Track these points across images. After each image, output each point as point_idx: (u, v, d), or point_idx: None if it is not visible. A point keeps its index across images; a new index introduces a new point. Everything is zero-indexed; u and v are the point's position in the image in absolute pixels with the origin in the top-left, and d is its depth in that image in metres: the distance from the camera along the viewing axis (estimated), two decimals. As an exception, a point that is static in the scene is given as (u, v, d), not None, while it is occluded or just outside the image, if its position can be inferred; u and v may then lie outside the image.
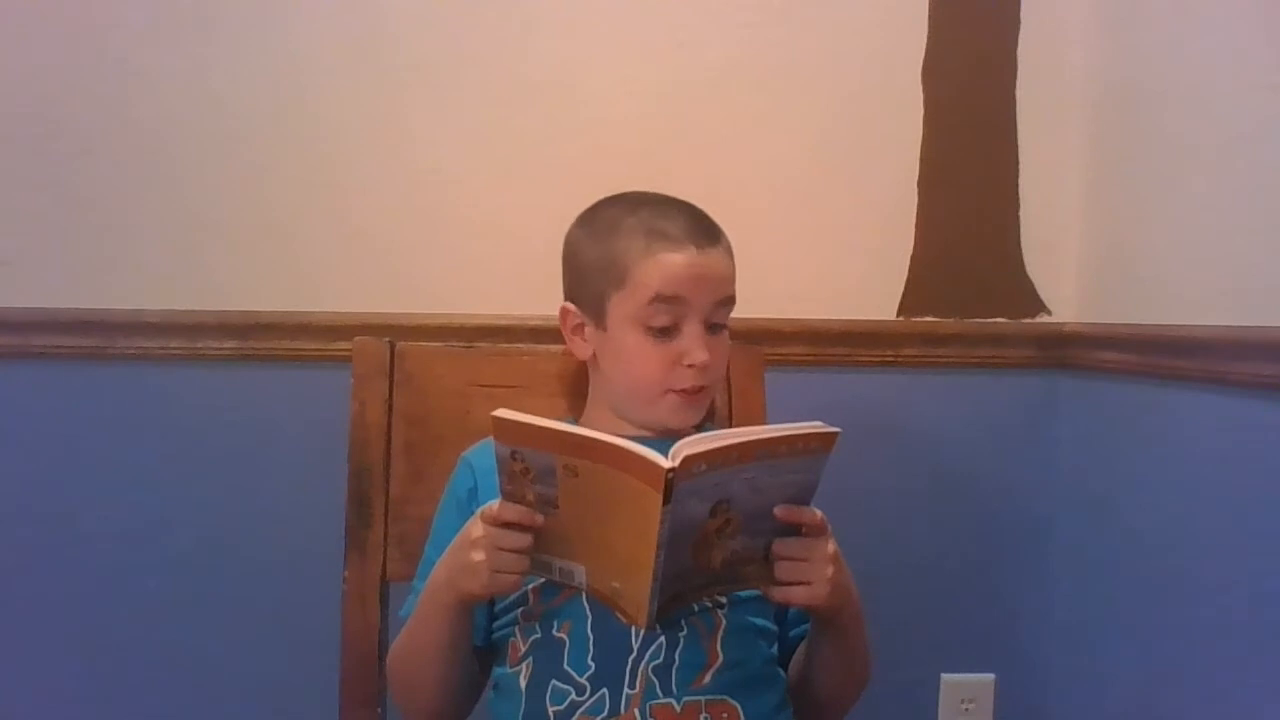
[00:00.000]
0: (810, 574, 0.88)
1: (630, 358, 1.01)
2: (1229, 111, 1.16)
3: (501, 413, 0.82)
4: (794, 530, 0.87)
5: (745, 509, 0.84)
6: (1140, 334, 1.29)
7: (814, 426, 0.83)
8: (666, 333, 0.99)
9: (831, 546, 0.89)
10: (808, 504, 0.87)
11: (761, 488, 0.83)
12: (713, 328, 1.01)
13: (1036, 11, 1.43)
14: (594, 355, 1.05)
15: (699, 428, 1.09)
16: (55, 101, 1.37)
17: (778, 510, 0.85)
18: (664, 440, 0.82)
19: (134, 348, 1.38)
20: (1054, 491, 1.46)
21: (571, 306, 1.05)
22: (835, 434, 0.84)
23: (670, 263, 0.98)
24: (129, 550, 1.40)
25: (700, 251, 0.99)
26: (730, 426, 1.17)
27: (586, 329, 1.04)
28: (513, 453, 0.83)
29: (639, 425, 1.02)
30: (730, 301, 1.02)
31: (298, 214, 1.39)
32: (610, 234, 1.02)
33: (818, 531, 0.88)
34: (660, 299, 0.98)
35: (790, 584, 0.88)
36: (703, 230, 1.00)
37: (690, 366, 0.99)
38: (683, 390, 1.00)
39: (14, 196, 1.38)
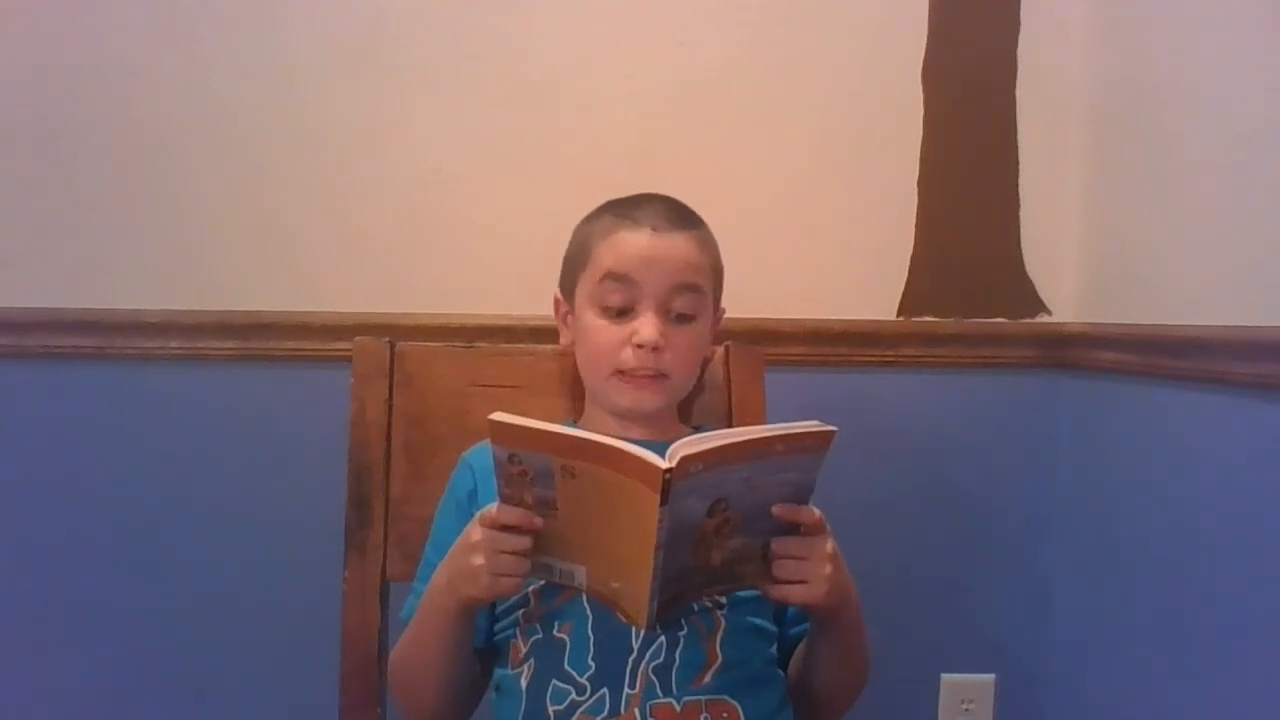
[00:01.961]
0: (808, 572, 0.88)
1: (586, 336, 1.03)
2: (1229, 112, 1.15)
3: (498, 416, 0.82)
4: (792, 529, 0.87)
5: (743, 508, 0.84)
6: (1140, 334, 1.29)
7: (810, 426, 0.84)
8: (622, 314, 1.00)
9: (830, 545, 0.89)
10: (805, 503, 0.88)
11: (758, 487, 0.83)
12: (677, 318, 1.01)
13: (1036, 12, 1.43)
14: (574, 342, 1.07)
15: (696, 428, 1.09)
16: (55, 101, 1.37)
17: (776, 509, 0.85)
18: (661, 442, 0.82)
19: (134, 348, 1.38)
20: (1054, 491, 1.46)
21: (559, 294, 1.08)
22: (832, 433, 0.84)
23: (623, 241, 1.00)
24: (128, 550, 1.40)
25: (657, 234, 1.00)
26: (730, 427, 1.17)
27: (569, 316, 1.07)
28: (510, 456, 0.83)
29: (605, 409, 1.03)
30: (692, 289, 1.01)
31: (298, 214, 1.39)
32: (592, 219, 1.06)
33: (816, 530, 0.88)
34: (611, 276, 1.00)
35: (788, 582, 0.88)
36: (671, 217, 1.02)
37: (640, 347, 0.99)
38: (631, 372, 1.00)
39: (14, 196, 1.38)
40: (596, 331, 1.01)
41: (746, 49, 1.41)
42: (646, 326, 0.99)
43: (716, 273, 1.06)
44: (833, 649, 0.98)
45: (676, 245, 1.00)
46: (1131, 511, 1.32)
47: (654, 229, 1.00)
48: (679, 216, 1.03)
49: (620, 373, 1.01)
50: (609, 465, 0.80)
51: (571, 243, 1.08)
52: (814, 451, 0.84)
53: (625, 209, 1.03)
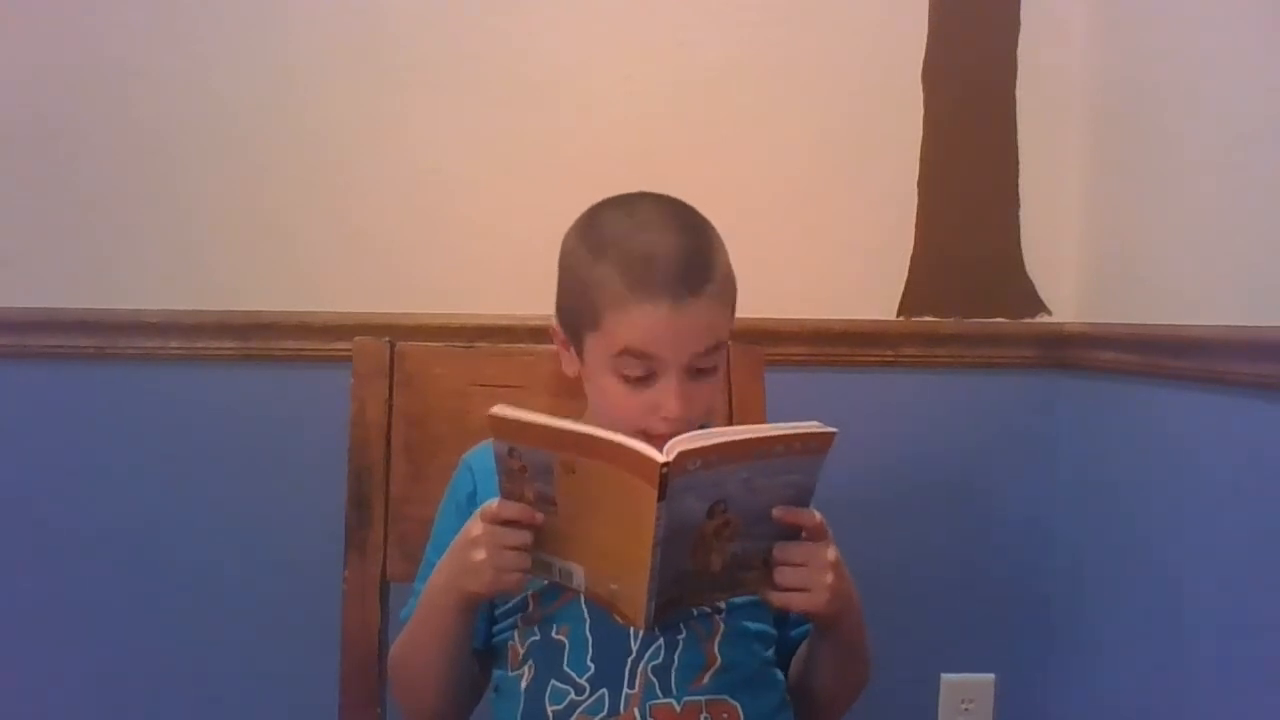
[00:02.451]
0: (810, 580, 0.87)
1: (606, 401, 0.95)
2: (1229, 112, 1.15)
3: (498, 410, 0.82)
4: (793, 534, 0.87)
5: (743, 510, 0.83)
6: (1140, 334, 1.29)
7: (810, 426, 0.83)
8: (642, 380, 0.92)
9: (832, 553, 0.88)
10: (806, 506, 0.87)
11: (758, 488, 0.83)
12: (698, 373, 0.93)
13: (1036, 11, 1.43)
14: (579, 377, 1.00)
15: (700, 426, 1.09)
16: (55, 101, 1.37)
17: (776, 511, 0.85)
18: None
19: (134, 348, 1.38)
20: (1054, 491, 1.46)
21: (557, 327, 1.01)
22: (832, 434, 0.83)
23: (641, 320, 0.90)
24: (129, 550, 1.40)
25: (676, 307, 0.89)
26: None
27: (570, 348, 0.99)
28: (510, 450, 0.83)
29: None
30: (717, 348, 0.94)
31: (298, 214, 1.39)
32: (594, 262, 0.93)
33: (817, 534, 0.88)
34: (629, 354, 0.91)
35: (790, 590, 0.88)
36: (688, 274, 0.90)
37: (664, 419, 0.91)
38: (658, 436, 0.90)
39: (14, 196, 1.38)
40: (616, 398, 0.93)
41: (746, 49, 1.41)
42: (671, 401, 0.90)
43: (734, 301, 0.98)
44: (833, 653, 0.98)
45: (696, 315, 0.90)
46: (1131, 511, 1.32)
47: (673, 301, 0.89)
48: (697, 268, 0.91)
49: (646, 434, 0.91)
50: (607, 459, 0.79)
51: (568, 278, 0.97)
52: (814, 453, 0.84)
53: (635, 257, 0.91)
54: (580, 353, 0.97)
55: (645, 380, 0.92)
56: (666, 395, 0.91)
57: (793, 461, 0.84)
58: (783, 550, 0.87)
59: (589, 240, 0.96)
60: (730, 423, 1.18)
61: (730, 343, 1.19)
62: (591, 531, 0.84)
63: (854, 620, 0.95)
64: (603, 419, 0.97)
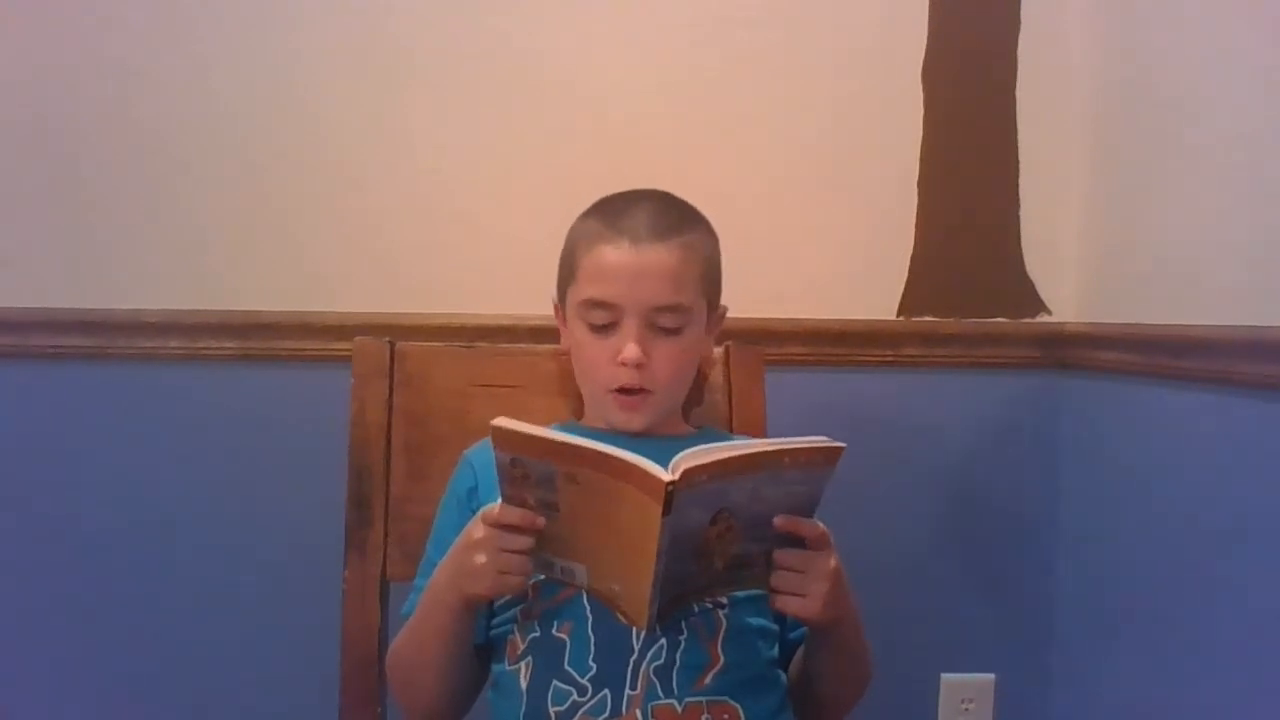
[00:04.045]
0: (806, 586, 0.87)
1: (578, 351, 1.02)
2: (1229, 112, 1.15)
3: (501, 422, 0.82)
4: (797, 539, 0.87)
5: (745, 516, 0.83)
6: (1140, 334, 1.29)
7: (819, 441, 0.83)
8: (607, 329, 0.99)
9: (832, 562, 0.89)
10: (810, 515, 0.87)
11: (763, 496, 0.83)
12: (663, 331, 0.99)
13: (1036, 11, 1.43)
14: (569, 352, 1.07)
15: (699, 428, 1.09)
16: (55, 101, 1.37)
17: (777, 520, 0.85)
18: (661, 436, 0.81)
19: (134, 348, 1.38)
20: (1054, 491, 1.46)
21: (556, 302, 1.08)
22: (840, 449, 0.83)
23: (603, 257, 0.98)
24: (129, 550, 1.40)
25: (636, 248, 0.97)
26: (730, 427, 1.17)
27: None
28: (513, 460, 0.83)
29: (604, 422, 1.03)
30: (676, 310, 0.99)
31: (298, 214, 1.39)
32: (581, 221, 1.04)
33: (818, 543, 0.88)
34: (593, 293, 0.99)
35: (786, 594, 0.88)
36: (655, 225, 0.98)
37: (623, 364, 0.97)
38: (619, 390, 0.99)
39: (14, 196, 1.38)
40: (585, 348, 1.01)
41: (746, 49, 1.41)
42: (629, 347, 0.97)
43: (707, 278, 1.03)
44: (830, 658, 0.98)
45: (657, 261, 0.97)
46: (1132, 511, 1.32)
47: (634, 242, 0.97)
48: (665, 223, 0.99)
49: (611, 391, 1.00)
50: (611, 474, 0.79)
51: (564, 244, 1.05)
52: (822, 466, 0.84)
53: (611, 215, 1.00)
54: (565, 313, 1.04)
55: (609, 329, 0.99)
56: (624, 339, 0.98)
57: (800, 474, 0.84)
58: (783, 554, 0.87)
59: (585, 211, 1.04)
60: (730, 424, 1.18)
61: (730, 343, 1.20)
62: (594, 537, 0.84)
63: (850, 628, 0.96)
64: (582, 380, 1.04)
